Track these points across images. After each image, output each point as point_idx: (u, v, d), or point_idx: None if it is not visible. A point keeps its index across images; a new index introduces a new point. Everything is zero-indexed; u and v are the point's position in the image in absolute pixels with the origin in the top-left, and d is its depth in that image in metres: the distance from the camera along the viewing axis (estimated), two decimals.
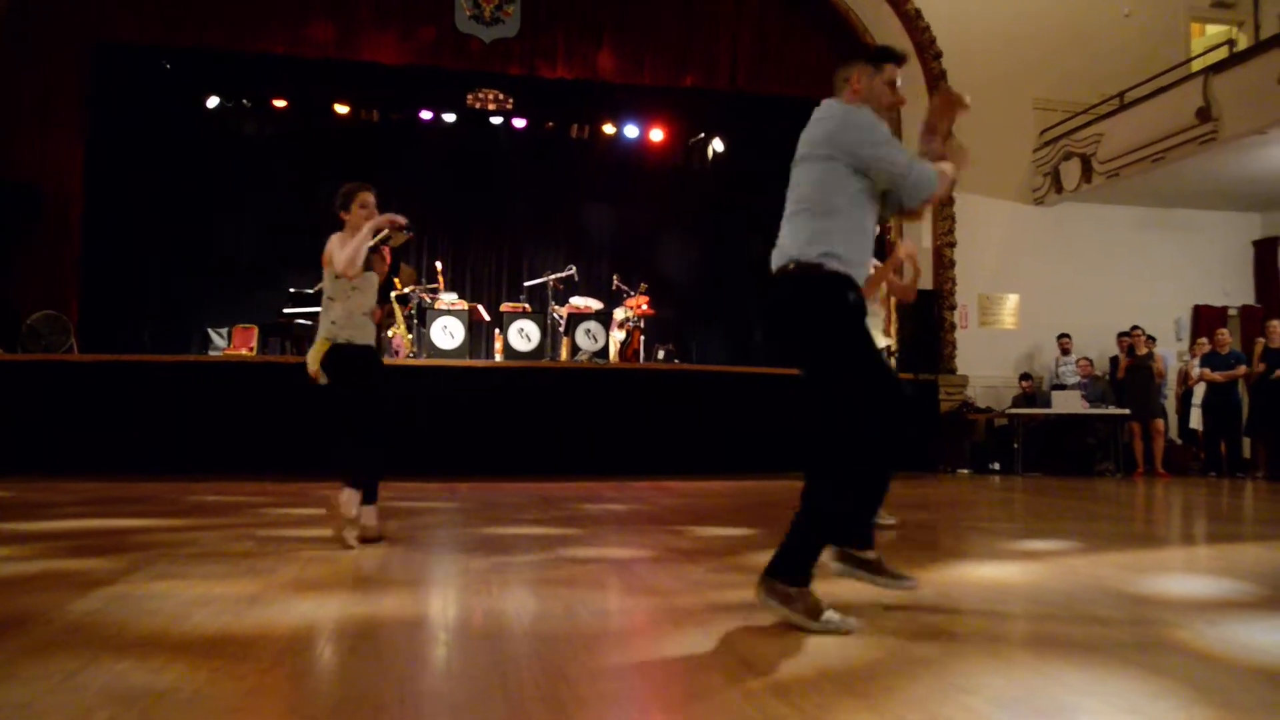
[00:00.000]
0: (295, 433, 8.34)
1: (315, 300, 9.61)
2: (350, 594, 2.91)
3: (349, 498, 3.98)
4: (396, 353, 9.71)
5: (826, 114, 2.69)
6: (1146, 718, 1.77)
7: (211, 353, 9.84)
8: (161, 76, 11.14)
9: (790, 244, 2.62)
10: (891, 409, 2.54)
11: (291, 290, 9.79)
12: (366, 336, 4.30)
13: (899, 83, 2.76)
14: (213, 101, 11.75)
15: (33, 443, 7.92)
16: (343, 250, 4.14)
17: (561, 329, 10.29)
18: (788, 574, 2.46)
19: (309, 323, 9.53)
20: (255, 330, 9.59)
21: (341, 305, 4.25)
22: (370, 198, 4.45)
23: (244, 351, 9.40)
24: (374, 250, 10.32)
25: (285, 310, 9.62)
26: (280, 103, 11.92)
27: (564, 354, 10.09)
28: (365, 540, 3.99)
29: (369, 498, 4.12)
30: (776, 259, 2.64)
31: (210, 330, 10.29)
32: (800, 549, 2.50)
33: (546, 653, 2.22)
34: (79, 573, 3.19)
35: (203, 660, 2.08)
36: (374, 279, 4.45)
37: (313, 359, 4.27)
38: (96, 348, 9.23)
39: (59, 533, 4.29)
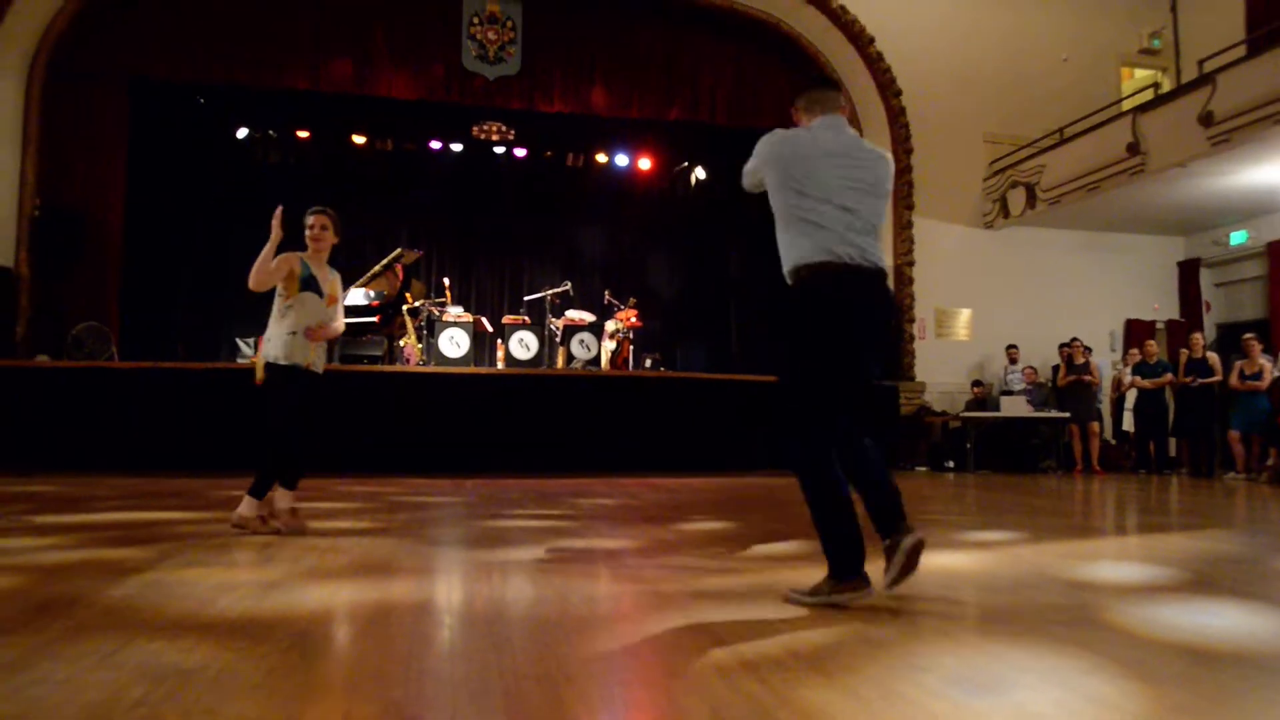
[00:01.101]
0: (316, 432, 8.32)
1: None
2: (362, 581, 2.90)
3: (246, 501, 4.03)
4: (408, 361, 9.68)
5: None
6: (1077, 690, 1.78)
7: (240, 360, 9.78)
8: (195, 110, 11.13)
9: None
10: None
11: None
12: (289, 356, 4.08)
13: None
14: (242, 133, 11.75)
15: (76, 442, 7.86)
16: (252, 271, 4.03)
17: (558, 339, 10.29)
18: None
19: None
20: None
21: (275, 322, 4.15)
22: (314, 220, 4.37)
23: None
24: (388, 268, 10.33)
25: None
26: (303, 134, 11.92)
27: (560, 362, 10.09)
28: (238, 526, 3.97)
29: (256, 491, 4.06)
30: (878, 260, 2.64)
31: (238, 340, 10.25)
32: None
33: (540, 635, 2.22)
34: (116, 561, 3.17)
35: (227, 641, 2.07)
36: (310, 299, 4.18)
37: (258, 370, 4.17)
38: (135, 356, 9.19)
39: (98, 524, 4.26)
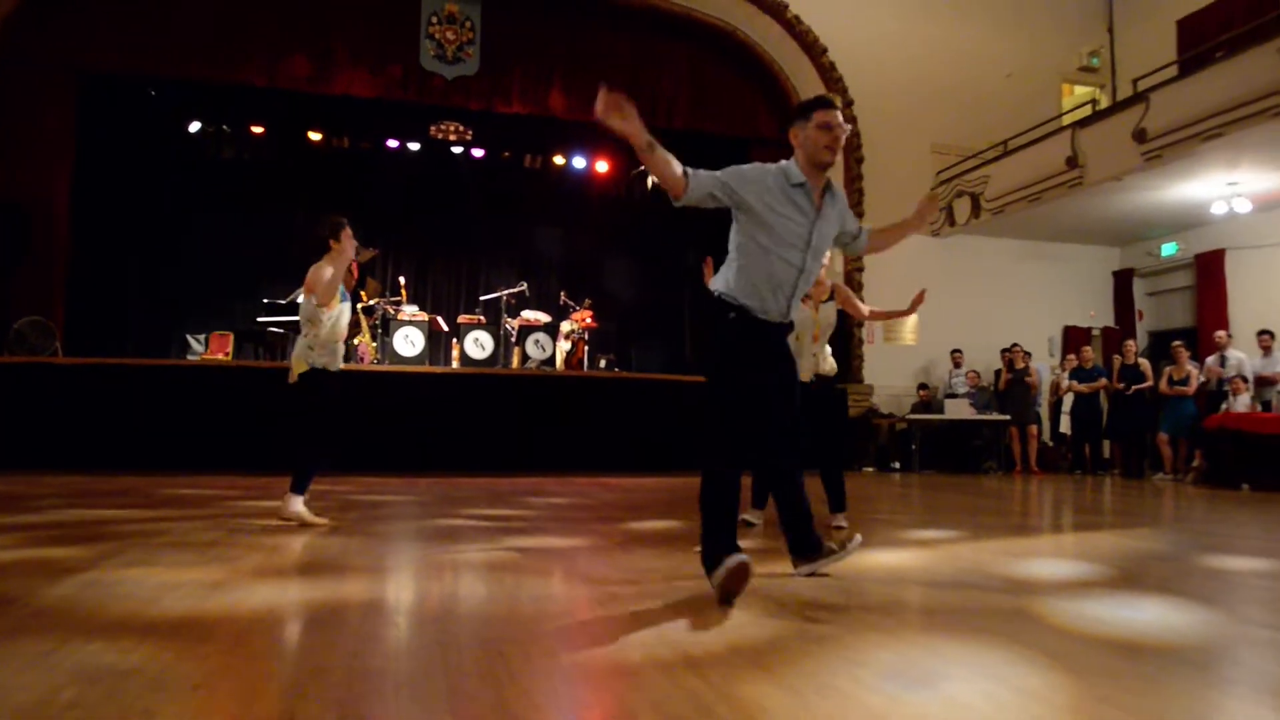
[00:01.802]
0: (266, 431, 8.16)
1: (287, 310, 9.42)
2: (309, 580, 2.86)
3: (291, 499, 4.21)
4: (362, 359, 9.55)
5: None
6: (1007, 683, 1.83)
7: (190, 357, 9.56)
8: (146, 103, 10.83)
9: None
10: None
11: (265, 300, 9.59)
12: (338, 362, 4.37)
13: (832, 123, 2.78)
14: (194, 127, 11.47)
15: (18, 440, 7.60)
16: (320, 280, 4.21)
17: (513, 339, 10.24)
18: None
19: (281, 330, 9.34)
20: (231, 337, 9.34)
21: (314, 330, 4.29)
22: (350, 231, 4.44)
23: (220, 356, 9.15)
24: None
25: (259, 319, 9.41)
26: (258, 129, 11.68)
27: (515, 362, 10.03)
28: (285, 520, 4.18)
29: (298, 489, 4.25)
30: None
31: (189, 336, 10.01)
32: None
33: (486, 633, 2.20)
34: (54, 560, 3.07)
35: (169, 641, 2.02)
36: (346, 307, 4.43)
37: (293, 373, 4.35)
38: (82, 352, 8.90)
39: (37, 524, 4.13)
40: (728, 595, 2.53)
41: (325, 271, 4.23)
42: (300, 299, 4.40)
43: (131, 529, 3.98)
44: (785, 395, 2.89)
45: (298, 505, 4.20)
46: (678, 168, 2.69)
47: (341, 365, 4.39)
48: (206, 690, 1.69)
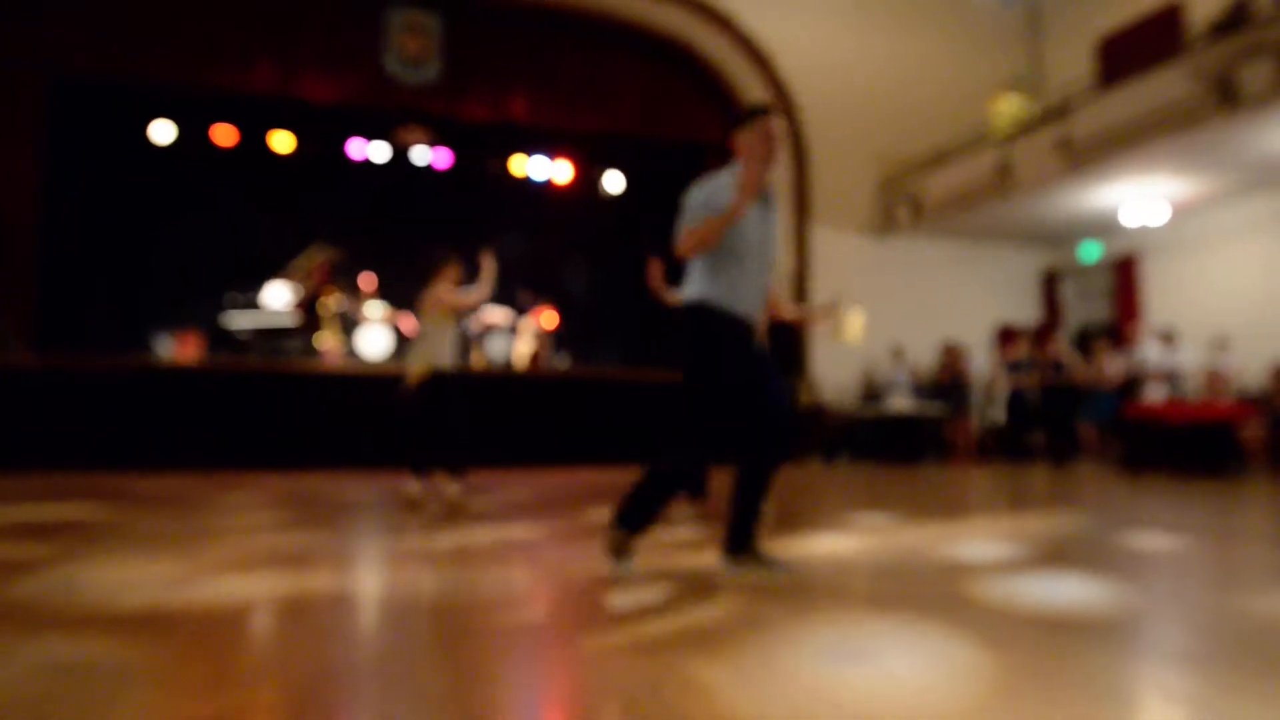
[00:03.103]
0: (233, 429, 8.01)
1: (253, 310, 9.22)
2: (273, 574, 2.81)
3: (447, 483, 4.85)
4: (327, 358, 9.39)
5: None
6: (938, 657, 1.87)
7: (157, 357, 9.30)
8: (114, 106, 10.51)
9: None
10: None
11: (231, 300, 9.38)
12: (448, 362, 4.94)
13: (773, 129, 2.79)
14: (160, 128, 11.14)
15: None
16: (459, 295, 4.96)
17: (475, 339, 10.15)
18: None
19: (247, 330, 9.15)
20: (199, 337, 9.11)
21: (435, 340, 4.90)
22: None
23: (188, 356, 8.93)
24: (308, 266, 9.98)
25: (226, 319, 9.20)
26: (224, 132, 11.39)
27: (476, 361, 9.95)
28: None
29: (456, 473, 4.90)
30: None
31: (156, 336, 9.74)
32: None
33: (446, 622, 2.19)
34: (18, 559, 2.98)
35: (131, 636, 1.97)
36: (455, 323, 5.06)
37: (414, 375, 4.87)
38: (53, 352, 8.62)
39: (2, 523, 3.99)
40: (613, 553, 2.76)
41: (450, 292, 4.95)
42: (421, 315, 5.04)
43: (96, 527, 3.87)
44: (778, 391, 2.84)
45: (415, 486, 4.86)
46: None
47: (450, 365, 4.95)
48: (167, 683, 1.65)
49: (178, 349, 9.00)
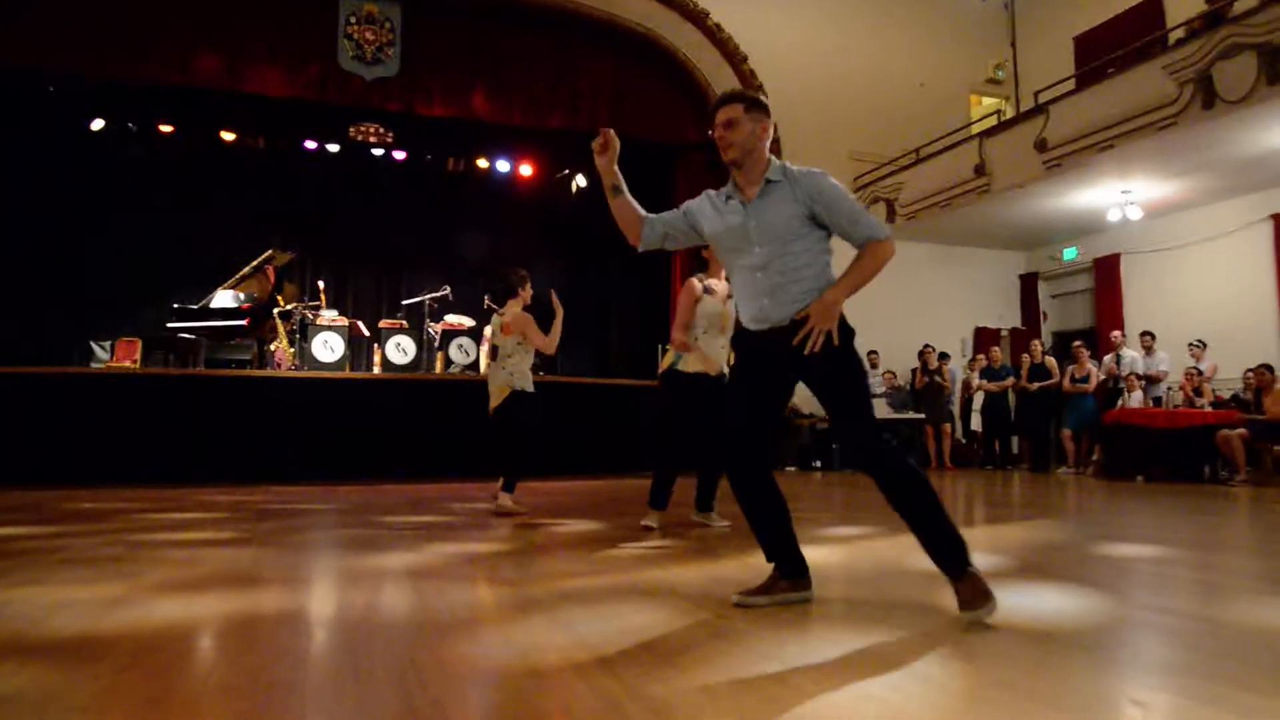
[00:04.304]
0: (176, 441, 7.85)
1: (199, 315, 9.05)
2: (217, 593, 2.75)
3: (505, 496, 5.23)
4: (279, 365, 9.26)
5: None
6: (910, 671, 1.88)
7: (94, 365, 9.10)
8: (44, 98, 10.28)
9: None
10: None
11: (176, 305, 9.21)
12: (530, 384, 5.38)
13: (718, 122, 2.71)
14: (98, 124, 10.93)
15: None
16: (542, 336, 5.28)
17: (436, 344, 10.07)
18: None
19: (193, 337, 8.99)
20: (139, 343, 8.93)
21: (518, 362, 5.33)
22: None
23: (127, 364, 8.74)
24: (259, 269, 9.87)
25: (169, 324, 9.03)
26: (167, 128, 11.21)
27: (439, 367, 9.87)
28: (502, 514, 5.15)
29: (510, 488, 5.29)
30: None
31: (93, 343, 9.53)
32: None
33: (400, 641, 2.16)
34: None
35: (57, 663, 1.92)
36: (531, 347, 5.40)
37: (496, 397, 5.35)
38: None
39: None
40: None
41: (533, 323, 5.31)
42: (498, 337, 5.43)
43: (25, 546, 3.77)
44: (755, 398, 2.76)
45: (508, 500, 5.22)
46: (638, 214, 2.91)
47: (531, 387, 5.38)
48: (94, 712, 1.61)
49: (115, 356, 8.81)
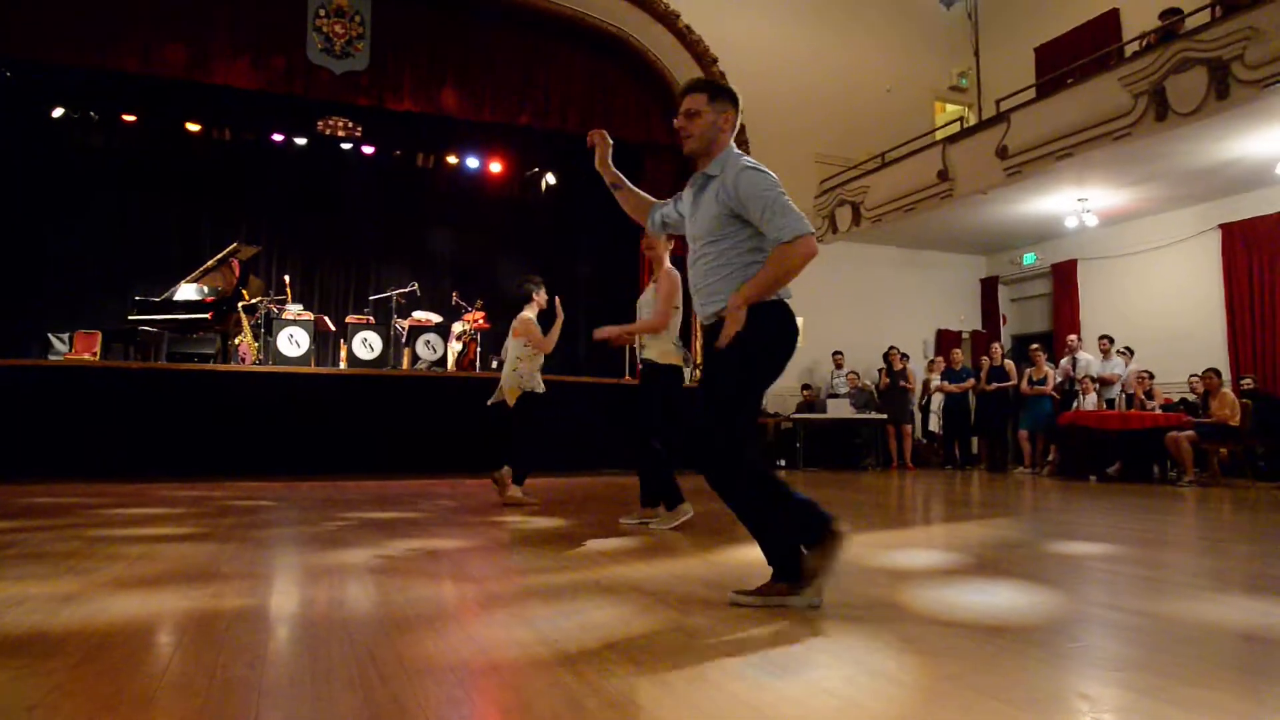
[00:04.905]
0: (137, 435, 7.70)
1: (160, 309, 8.87)
2: (175, 590, 2.70)
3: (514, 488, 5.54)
4: (243, 359, 9.12)
5: None
6: (864, 666, 1.91)
7: (52, 357, 8.88)
8: (7, 90, 10.01)
9: None
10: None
11: (137, 297, 9.02)
12: (540, 385, 5.68)
13: (678, 111, 2.69)
14: (58, 112, 10.68)
15: None
16: (545, 336, 5.59)
17: (403, 340, 9.98)
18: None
19: (155, 330, 8.81)
20: (99, 335, 8.73)
21: (528, 364, 5.62)
22: None
23: (86, 356, 8.54)
24: (223, 263, 9.72)
25: (130, 317, 8.84)
26: (130, 118, 10.99)
27: (405, 363, 9.79)
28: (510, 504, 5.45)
29: (519, 480, 5.61)
30: None
31: (51, 335, 9.30)
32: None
33: (360, 637, 2.14)
34: None
35: (8, 659, 1.87)
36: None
37: (510, 396, 5.67)
38: None
39: None
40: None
41: (535, 326, 5.62)
42: (510, 341, 5.76)
43: None
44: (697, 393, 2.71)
45: (518, 492, 5.52)
46: (644, 203, 3.07)
47: (542, 388, 5.69)
48: (45, 710, 1.57)
49: (74, 349, 8.61)
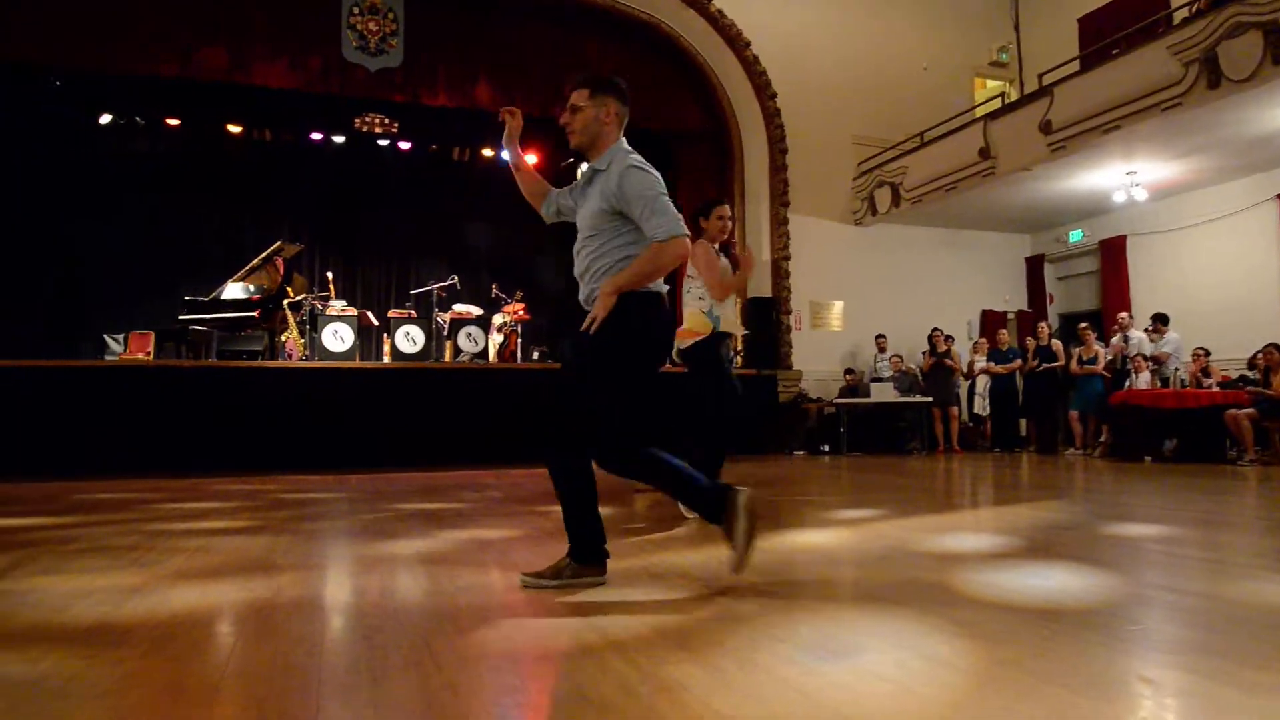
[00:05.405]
0: (190, 432, 7.90)
1: (209, 308, 9.09)
2: (234, 581, 2.78)
3: None
4: (290, 355, 9.30)
5: None
6: (918, 651, 1.89)
7: (107, 357, 9.15)
8: (52, 94, 10.30)
9: None
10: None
11: (187, 298, 9.24)
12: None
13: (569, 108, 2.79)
14: (105, 119, 10.96)
15: None
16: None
17: (445, 333, 10.10)
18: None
19: (204, 329, 9.03)
20: (151, 336, 8.97)
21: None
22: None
23: (140, 356, 8.78)
24: (268, 261, 9.91)
25: (180, 317, 9.07)
26: (173, 121, 11.23)
27: (447, 355, 9.90)
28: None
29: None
30: None
31: (106, 336, 9.58)
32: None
33: (414, 626, 2.18)
34: None
35: (79, 649, 1.94)
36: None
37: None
38: None
39: None
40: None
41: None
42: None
43: (44, 536, 3.80)
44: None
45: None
46: (539, 190, 3.09)
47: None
48: (116, 696, 1.63)
49: (128, 349, 8.86)
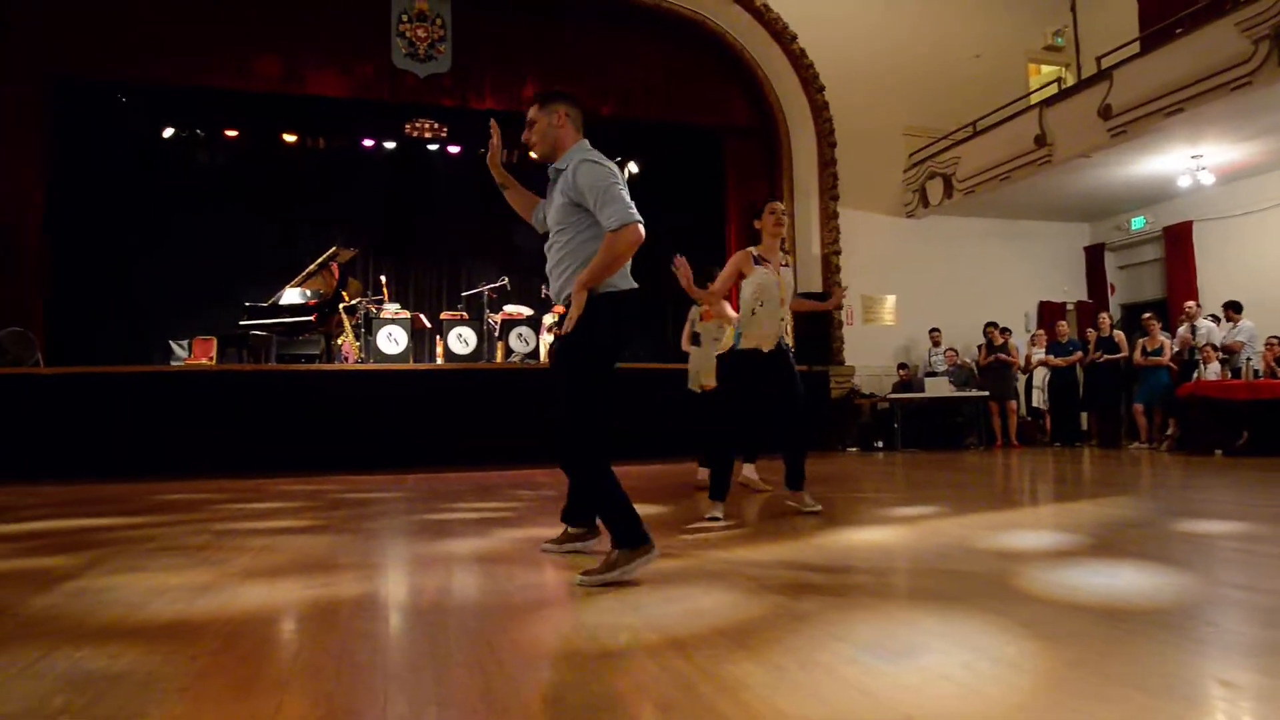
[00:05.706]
0: (253, 434, 8.12)
1: (268, 313, 9.33)
2: (299, 579, 2.85)
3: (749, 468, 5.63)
4: (346, 359, 9.50)
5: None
6: (984, 652, 1.85)
7: (173, 363, 9.47)
8: (118, 109, 10.69)
9: None
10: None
11: (247, 304, 9.50)
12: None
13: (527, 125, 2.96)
14: (168, 131, 11.34)
15: (3, 452, 7.52)
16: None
17: (496, 334, 10.21)
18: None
19: (264, 334, 9.27)
20: (214, 341, 9.26)
21: (723, 343, 4.97)
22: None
23: (204, 361, 9.07)
24: (323, 266, 10.11)
25: (241, 322, 9.33)
26: (231, 132, 11.56)
27: (499, 356, 10.02)
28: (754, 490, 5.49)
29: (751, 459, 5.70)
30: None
31: (172, 342, 9.92)
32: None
33: (475, 625, 2.21)
34: (41, 570, 3.05)
35: (157, 645, 2.01)
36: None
37: (710, 380, 5.54)
38: (63, 362, 8.81)
39: (24, 534, 4.09)
40: None
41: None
42: (699, 324, 6.01)
43: (118, 536, 3.95)
44: None
45: (753, 474, 5.65)
46: (529, 203, 3.27)
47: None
48: (195, 691, 1.68)
49: (193, 355, 9.14)
